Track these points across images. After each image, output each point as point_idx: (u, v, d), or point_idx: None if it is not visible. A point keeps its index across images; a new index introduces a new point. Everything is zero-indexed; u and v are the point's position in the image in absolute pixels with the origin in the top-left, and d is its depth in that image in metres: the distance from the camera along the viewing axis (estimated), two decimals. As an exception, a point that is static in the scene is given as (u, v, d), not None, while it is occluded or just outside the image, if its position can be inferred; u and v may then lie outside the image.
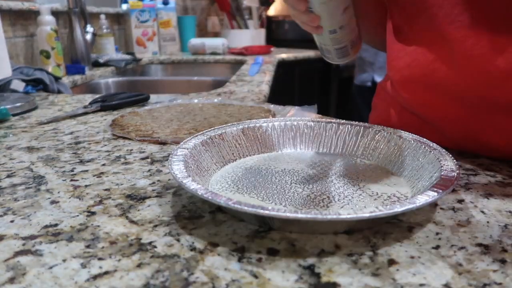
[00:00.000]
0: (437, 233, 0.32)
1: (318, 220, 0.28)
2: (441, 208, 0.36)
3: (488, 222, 0.33)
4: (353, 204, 0.36)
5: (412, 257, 0.29)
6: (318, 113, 0.69)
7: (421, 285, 0.26)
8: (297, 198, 0.37)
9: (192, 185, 0.33)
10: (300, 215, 0.28)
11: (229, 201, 0.30)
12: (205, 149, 0.44)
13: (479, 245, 0.30)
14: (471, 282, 0.26)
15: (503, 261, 0.28)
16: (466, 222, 0.34)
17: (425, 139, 0.42)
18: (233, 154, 0.46)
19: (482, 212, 0.35)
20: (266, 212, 0.28)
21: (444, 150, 0.40)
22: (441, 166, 0.36)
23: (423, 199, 0.30)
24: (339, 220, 0.28)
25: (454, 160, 0.37)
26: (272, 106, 0.74)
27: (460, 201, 0.37)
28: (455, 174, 0.34)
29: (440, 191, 0.31)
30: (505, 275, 0.27)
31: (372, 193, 0.38)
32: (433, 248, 0.30)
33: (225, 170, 0.44)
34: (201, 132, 0.46)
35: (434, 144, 0.41)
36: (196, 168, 0.40)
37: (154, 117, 0.67)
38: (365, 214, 0.28)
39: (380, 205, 0.32)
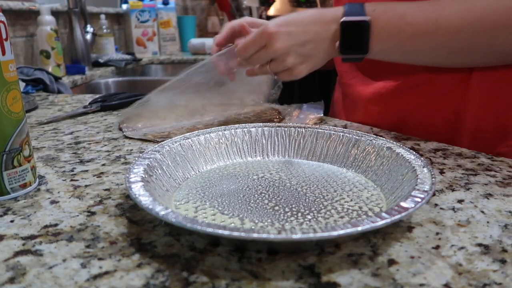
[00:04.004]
0: (437, 233, 0.32)
1: (243, 238, 0.26)
2: (441, 208, 0.36)
3: (488, 222, 0.33)
4: (315, 221, 0.34)
5: (412, 257, 0.29)
6: (318, 113, 0.69)
7: (421, 285, 0.26)
8: (259, 209, 0.35)
9: (137, 190, 0.32)
10: (222, 232, 0.26)
11: (164, 211, 0.29)
12: (184, 153, 0.43)
13: (479, 245, 0.30)
14: (471, 282, 0.26)
15: (503, 261, 0.28)
16: (466, 222, 0.34)
17: (415, 153, 0.39)
18: (216, 158, 0.46)
19: (482, 212, 0.35)
20: (189, 225, 0.27)
21: (429, 168, 0.36)
22: (416, 185, 0.33)
23: (368, 224, 0.27)
24: (268, 240, 0.26)
25: (434, 179, 0.34)
26: (277, 106, 0.74)
27: (460, 201, 0.37)
28: (419, 199, 0.31)
29: (387, 216, 0.28)
30: (505, 275, 0.27)
31: (342, 209, 0.35)
32: (433, 248, 0.30)
33: (201, 175, 0.43)
34: (183, 135, 0.46)
35: (423, 160, 0.38)
36: (164, 173, 0.39)
37: (161, 117, 0.67)
38: (296, 236, 0.26)
39: (347, 223, 0.28)
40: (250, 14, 2.17)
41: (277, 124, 0.50)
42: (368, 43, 0.52)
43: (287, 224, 0.33)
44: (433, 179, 0.34)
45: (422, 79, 0.58)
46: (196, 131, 0.47)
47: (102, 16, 1.63)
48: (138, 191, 0.32)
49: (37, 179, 0.42)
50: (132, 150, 0.53)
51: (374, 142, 0.44)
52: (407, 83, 0.59)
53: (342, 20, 0.51)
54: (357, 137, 0.45)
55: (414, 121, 0.60)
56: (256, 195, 0.38)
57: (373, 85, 0.63)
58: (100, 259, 0.29)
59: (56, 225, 0.34)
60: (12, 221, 0.34)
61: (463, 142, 0.57)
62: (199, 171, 0.44)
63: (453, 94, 0.57)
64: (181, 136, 0.45)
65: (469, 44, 0.49)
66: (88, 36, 1.47)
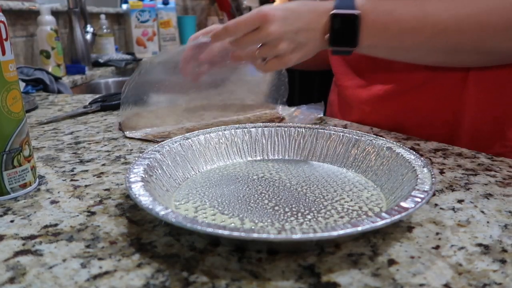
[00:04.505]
0: (437, 233, 0.32)
1: (242, 238, 0.26)
2: (441, 208, 0.36)
3: (488, 222, 0.33)
4: (315, 221, 0.34)
5: (412, 257, 0.29)
6: (318, 113, 0.69)
7: (421, 285, 0.26)
8: (259, 209, 0.35)
9: (137, 190, 0.32)
10: (222, 232, 0.26)
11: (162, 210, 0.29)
12: (184, 153, 0.43)
13: (479, 245, 0.30)
14: (471, 282, 0.26)
15: (503, 261, 0.28)
16: (466, 222, 0.34)
17: (415, 153, 0.39)
18: (216, 158, 0.46)
19: (482, 212, 0.35)
20: (189, 225, 0.27)
21: (429, 168, 0.36)
22: (416, 185, 0.33)
23: (368, 225, 0.27)
24: (268, 240, 0.26)
25: (434, 179, 0.34)
26: (277, 106, 0.74)
27: (460, 201, 0.37)
28: (419, 199, 0.31)
29: (387, 216, 0.28)
30: (505, 275, 0.27)
31: (342, 209, 0.35)
32: (433, 248, 0.30)
33: (201, 175, 0.43)
34: (183, 135, 0.45)
35: (423, 160, 0.38)
36: (164, 173, 0.39)
37: (161, 117, 0.67)
38: (296, 236, 0.26)
39: (347, 223, 0.28)
40: (250, 14, 2.17)
41: (277, 124, 0.50)
42: (357, 36, 0.52)
43: (287, 224, 0.33)
44: (433, 179, 0.34)
45: (420, 81, 0.58)
46: (196, 131, 0.47)
47: (102, 16, 1.63)
48: (138, 191, 0.32)
49: (37, 179, 0.42)
50: (132, 150, 0.53)
51: (374, 142, 0.44)
52: (404, 86, 0.59)
53: (331, 12, 0.52)
54: (357, 137, 0.45)
55: (413, 122, 0.60)
56: (256, 195, 0.38)
57: (370, 88, 0.63)
58: (100, 259, 0.29)
59: (56, 225, 0.34)
60: (12, 221, 0.34)
61: (462, 142, 0.57)
62: (199, 171, 0.44)
63: (451, 95, 0.57)
64: (181, 136, 0.45)
65: (455, 42, 0.50)
66: (88, 36, 1.47)
